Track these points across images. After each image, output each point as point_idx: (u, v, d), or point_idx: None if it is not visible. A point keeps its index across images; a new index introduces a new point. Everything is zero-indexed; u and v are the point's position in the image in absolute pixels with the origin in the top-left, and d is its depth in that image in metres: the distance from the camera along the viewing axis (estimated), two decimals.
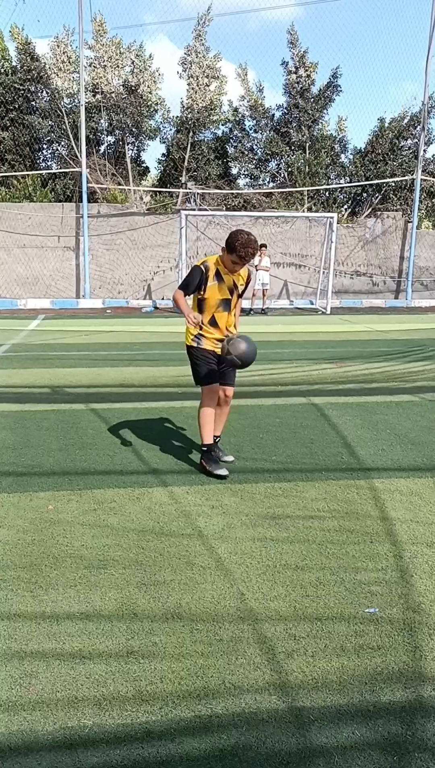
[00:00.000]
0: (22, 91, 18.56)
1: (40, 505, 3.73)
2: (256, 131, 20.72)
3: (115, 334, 11.94)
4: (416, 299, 19.60)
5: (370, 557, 3.14)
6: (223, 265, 4.17)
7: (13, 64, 18.70)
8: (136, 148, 20.67)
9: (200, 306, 4.23)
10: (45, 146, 20.12)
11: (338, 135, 20.98)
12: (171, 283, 18.23)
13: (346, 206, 21.72)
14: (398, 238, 19.66)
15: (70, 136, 18.53)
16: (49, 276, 17.86)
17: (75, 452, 4.72)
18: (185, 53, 19.38)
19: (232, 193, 20.03)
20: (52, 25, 36.95)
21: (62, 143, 19.33)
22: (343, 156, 21.39)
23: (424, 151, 19.53)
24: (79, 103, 17.09)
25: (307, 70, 19.85)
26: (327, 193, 20.94)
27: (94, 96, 18.91)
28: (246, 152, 20.59)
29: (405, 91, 41.79)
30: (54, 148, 19.96)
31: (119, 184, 19.19)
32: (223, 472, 4.23)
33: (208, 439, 4.29)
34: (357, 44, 29.33)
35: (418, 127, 19.67)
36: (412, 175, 19.52)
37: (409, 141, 20.83)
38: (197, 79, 19.19)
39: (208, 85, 19.37)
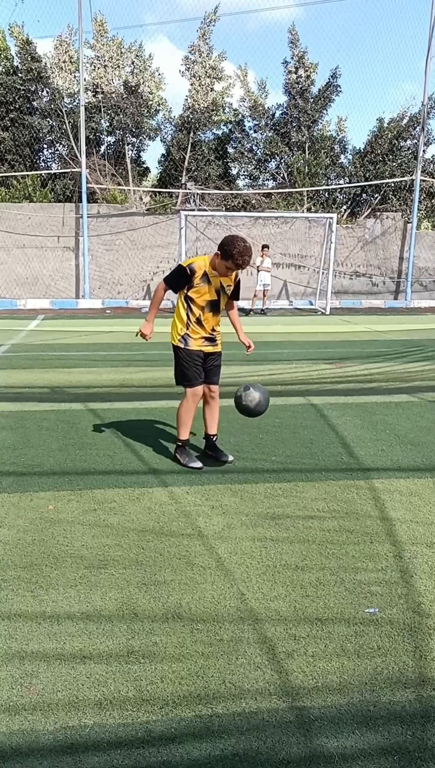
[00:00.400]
0: (23, 91, 18.56)
1: (40, 505, 3.73)
2: (255, 131, 20.73)
3: (115, 334, 11.94)
4: (415, 300, 19.61)
5: (370, 557, 3.14)
6: (214, 268, 4.18)
7: (14, 63, 18.70)
8: (136, 148, 20.69)
9: (188, 306, 4.24)
10: (45, 146, 20.12)
11: (338, 135, 21.00)
12: None
13: (345, 207, 21.73)
14: (398, 238, 19.67)
15: (71, 136, 18.53)
16: (48, 276, 17.86)
17: (75, 452, 4.73)
18: (189, 52, 19.36)
19: (232, 194, 20.04)
20: (52, 25, 37.00)
21: (62, 143, 19.34)
22: (342, 156, 21.42)
23: (424, 151, 19.55)
24: (80, 103, 17.10)
25: (306, 71, 19.87)
26: (326, 194, 20.95)
27: (94, 96, 18.91)
28: (246, 152, 20.60)
29: (404, 92, 41.83)
30: (54, 148, 19.96)
31: (119, 184, 19.20)
32: (197, 464, 4.38)
33: (184, 436, 4.46)
34: (356, 45, 29.38)
35: (418, 127, 19.69)
36: (411, 175, 19.53)
37: (409, 141, 20.85)
38: (200, 79, 19.18)
39: (211, 86, 19.36)
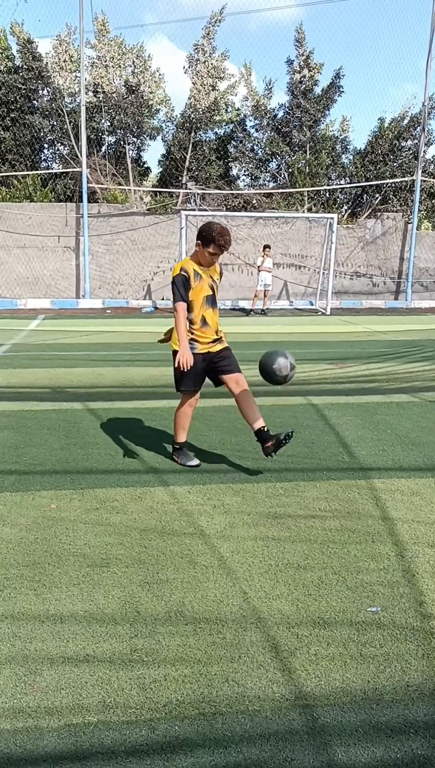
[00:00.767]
0: (24, 91, 18.56)
1: (42, 503, 3.74)
2: (257, 130, 20.73)
3: (116, 334, 11.95)
4: (416, 300, 19.62)
5: (371, 557, 3.15)
6: (199, 263, 4.14)
7: (15, 63, 18.69)
8: (136, 148, 20.70)
9: (189, 308, 4.16)
10: (46, 146, 20.13)
11: (341, 135, 20.99)
12: (170, 284, 18.22)
13: (346, 207, 21.75)
14: (398, 239, 19.68)
15: (71, 136, 18.54)
16: (49, 276, 17.87)
17: (77, 451, 4.73)
18: (193, 51, 19.35)
19: (233, 194, 20.05)
20: (53, 25, 36.96)
21: (63, 143, 19.34)
22: (343, 156, 21.42)
23: (424, 152, 19.57)
24: (80, 102, 17.11)
25: (311, 71, 19.85)
26: (327, 194, 20.96)
27: (95, 96, 18.92)
28: (247, 152, 20.61)
29: (405, 92, 41.84)
30: (55, 147, 19.97)
31: (120, 184, 19.20)
32: (194, 462, 4.44)
33: (181, 438, 4.50)
34: (357, 45, 29.38)
35: (419, 128, 19.70)
36: (412, 176, 19.55)
37: (409, 142, 20.86)
38: (202, 78, 19.19)
39: (212, 86, 19.35)
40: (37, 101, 19.03)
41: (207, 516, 3.61)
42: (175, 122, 20.06)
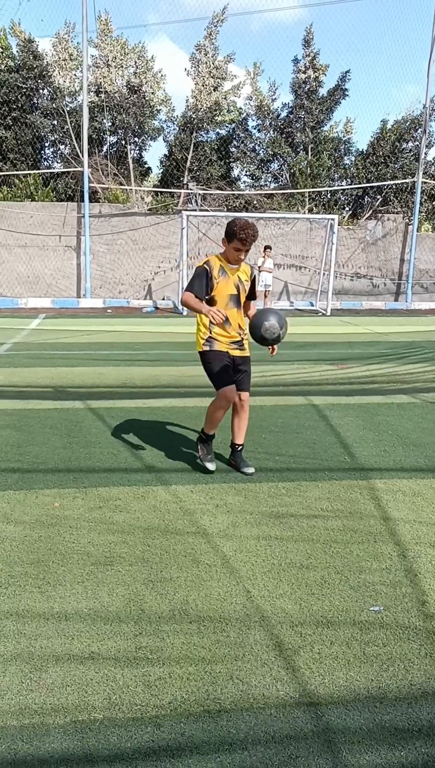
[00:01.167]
0: (25, 90, 18.56)
1: (45, 502, 3.75)
2: (259, 130, 20.73)
3: (117, 333, 11.96)
4: (416, 302, 19.65)
5: (374, 557, 3.17)
6: (227, 260, 4.09)
7: (16, 62, 18.69)
8: (138, 148, 20.71)
9: (210, 305, 4.10)
10: (47, 145, 20.14)
11: (344, 137, 20.99)
12: (171, 284, 18.26)
13: (347, 208, 21.77)
14: (399, 240, 19.71)
15: (73, 135, 18.55)
16: (50, 275, 17.88)
17: (79, 450, 4.75)
18: (195, 51, 19.37)
19: (234, 194, 20.06)
20: (55, 25, 36.95)
21: (65, 143, 19.36)
22: (345, 158, 21.43)
23: (425, 154, 19.60)
24: (82, 102, 17.11)
25: (316, 71, 19.85)
26: (328, 195, 20.98)
27: (97, 95, 18.93)
28: (248, 152, 20.61)
29: (407, 94, 41.86)
30: (56, 147, 19.98)
31: (121, 184, 19.22)
32: (210, 465, 4.27)
33: (209, 431, 4.28)
34: (359, 46, 29.41)
35: (420, 129, 19.73)
36: (413, 177, 19.57)
37: (411, 144, 20.89)
38: (204, 79, 19.20)
39: (214, 86, 19.36)
40: (38, 100, 19.03)
41: (210, 515, 3.62)
42: (176, 122, 20.07)
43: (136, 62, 19.33)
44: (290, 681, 2.25)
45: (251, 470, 4.34)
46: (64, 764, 1.87)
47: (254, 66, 20.21)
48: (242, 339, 4.26)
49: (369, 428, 5.49)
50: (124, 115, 18.98)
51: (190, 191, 19.37)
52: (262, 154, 20.77)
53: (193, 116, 19.45)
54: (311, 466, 4.49)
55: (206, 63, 19.26)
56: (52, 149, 20.34)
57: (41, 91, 19.00)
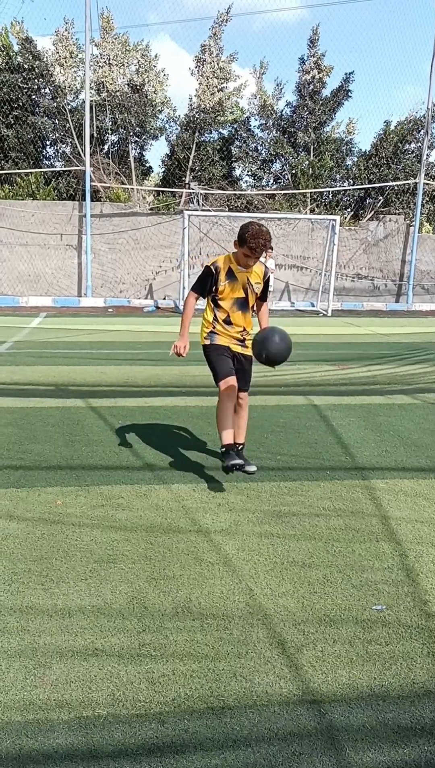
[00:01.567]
0: (26, 89, 18.56)
1: (48, 499, 3.76)
2: (262, 130, 20.73)
3: (118, 333, 11.97)
4: (417, 303, 19.67)
5: (376, 556, 3.17)
6: (237, 262, 4.00)
7: (18, 61, 18.68)
8: (139, 147, 20.71)
9: (216, 305, 4.11)
10: (49, 144, 20.13)
11: (346, 138, 20.98)
12: (173, 284, 18.27)
13: (348, 209, 21.77)
14: (400, 241, 19.73)
15: (74, 134, 18.55)
16: (51, 274, 17.89)
17: (81, 449, 4.75)
18: (200, 51, 19.35)
19: (235, 194, 20.07)
20: (57, 23, 36.97)
21: (66, 141, 19.35)
22: (347, 159, 21.43)
23: (427, 155, 19.61)
24: (84, 101, 17.12)
25: (320, 72, 19.84)
26: (330, 196, 20.99)
27: (99, 94, 18.92)
28: (250, 152, 20.61)
29: (409, 95, 41.87)
30: (58, 146, 19.98)
31: (122, 183, 19.22)
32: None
33: (226, 440, 3.95)
34: (361, 47, 29.43)
35: (422, 131, 19.74)
36: (414, 179, 19.59)
37: (413, 145, 20.89)
38: (208, 79, 19.20)
39: (218, 86, 19.34)
40: (40, 99, 19.02)
41: (212, 514, 3.63)
42: (178, 122, 20.08)
43: (138, 61, 19.32)
44: (293, 679, 2.26)
45: (253, 468, 4.18)
46: (69, 760, 1.87)
47: (260, 65, 20.22)
48: (245, 339, 4.25)
49: (370, 428, 5.50)
50: (125, 114, 18.98)
51: (191, 191, 19.37)
52: (264, 154, 20.78)
53: (197, 116, 19.45)
54: (313, 466, 4.50)
55: (211, 63, 19.25)
56: (53, 148, 20.35)
57: (42, 90, 18.99)
